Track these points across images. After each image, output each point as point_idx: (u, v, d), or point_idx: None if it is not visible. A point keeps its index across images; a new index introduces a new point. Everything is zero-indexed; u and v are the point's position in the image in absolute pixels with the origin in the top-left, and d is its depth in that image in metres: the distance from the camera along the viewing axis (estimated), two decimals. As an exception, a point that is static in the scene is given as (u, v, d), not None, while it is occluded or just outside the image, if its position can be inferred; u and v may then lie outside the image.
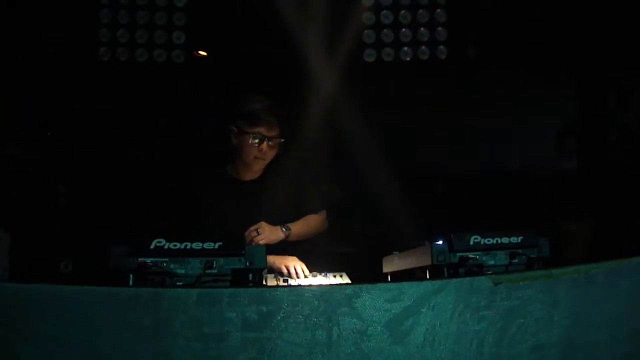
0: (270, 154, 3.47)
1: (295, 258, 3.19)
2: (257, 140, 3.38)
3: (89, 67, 4.67)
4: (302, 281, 2.91)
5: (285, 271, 3.07)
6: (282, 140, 3.47)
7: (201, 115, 4.71)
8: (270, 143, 3.42)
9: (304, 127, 4.39)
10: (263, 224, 3.27)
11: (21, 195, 4.35)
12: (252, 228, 3.25)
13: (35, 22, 4.52)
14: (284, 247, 3.30)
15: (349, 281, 2.83)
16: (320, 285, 2.59)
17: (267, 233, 3.27)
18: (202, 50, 4.94)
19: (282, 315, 1.76)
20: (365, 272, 2.98)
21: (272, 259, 3.08)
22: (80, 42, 4.67)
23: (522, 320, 1.90)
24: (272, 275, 2.91)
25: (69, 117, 4.65)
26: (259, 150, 3.41)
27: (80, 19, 4.66)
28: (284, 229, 3.36)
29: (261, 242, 3.19)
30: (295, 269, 3.08)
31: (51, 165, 4.67)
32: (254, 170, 3.52)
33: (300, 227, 3.47)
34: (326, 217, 3.67)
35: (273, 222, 3.35)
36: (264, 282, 2.68)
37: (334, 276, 2.91)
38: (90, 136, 4.70)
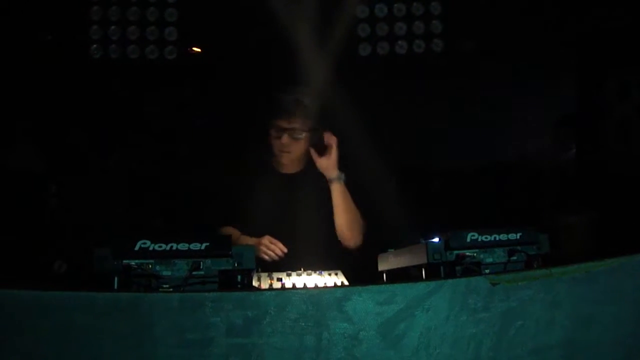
0: (296, 148, 3.39)
1: (268, 237, 3.15)
2: (277, 134, 3.34)
3: (81, 65, 4.62)
4: (297, 281, 2.83)
5: (263, 256, 3.04)
6: (313, 133, 3.38)
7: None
8: (295, 136, 3.34)
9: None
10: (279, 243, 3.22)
11: (13, 195, 4.31)
12: (271, 241, 3.20)
13: (26, 21, 4.47)
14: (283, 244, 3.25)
15: (344, 279, 2.76)
16: (308, 288, 2.50)
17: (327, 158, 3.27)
18: (195, 46, 4.89)
19: (268, 319, 1.69)
20: (361, 270, 2.93)
21: (250, 242, 3.08)
22: (71, 40, 4.63)
23: (521, 322, 1.83)
24: (266, 274, 2.83)
25: (62, 116, 4.61)
26: (280, 144, 3.34)
27: (70, 16, 4.61)
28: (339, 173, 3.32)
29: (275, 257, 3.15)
30: (267, 249, 3.04)
31: (44, 165, 4.62)
32: (285, 164, 3.46)
33: (349, 200, 3.38)
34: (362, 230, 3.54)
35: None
36: (257, 282, 2.63)
37: (329, 274, 2.84)
38: (83, 135, 4.66)
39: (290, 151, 3.39)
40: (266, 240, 3.17)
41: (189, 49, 4.86)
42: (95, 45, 4.66)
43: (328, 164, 3.30)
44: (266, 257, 3.10)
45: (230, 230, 3.23)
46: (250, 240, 3.17)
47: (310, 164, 3.46)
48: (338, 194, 3.36)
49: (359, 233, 3.48)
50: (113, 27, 4.67)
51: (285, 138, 3.33)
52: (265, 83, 4.16)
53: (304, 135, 3.37)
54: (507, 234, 2.27)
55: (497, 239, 2.26)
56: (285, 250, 3.12)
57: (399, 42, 4.80)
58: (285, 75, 4.33)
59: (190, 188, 4.53)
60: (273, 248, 3.11)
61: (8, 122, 4.55)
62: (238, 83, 4.60)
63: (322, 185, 3.40)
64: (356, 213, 3.47)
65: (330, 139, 3.30)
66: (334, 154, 3.31)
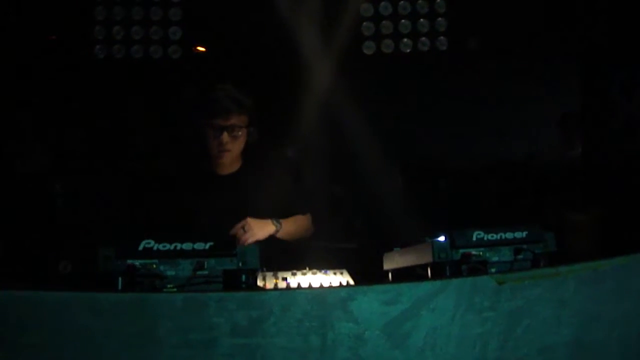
0: (236, 145, 3.29)
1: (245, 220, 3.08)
2: (215, 132, 3.23)
3: (85, 64, 4.62)
4: (303, 281, 2.81)
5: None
6: (251, 129, 3.30)
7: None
8: (232, 134, 3.25)
9: (299, 123, 4.33)
10: (249, 219, 3.12)
11: (18, 196, 4.31)
12: (238, 225, 3.11)
13: (31, 21, 4.47)
14: (276, 244, 3.21)
15: (350, 278, 2.75)
16: (313, 288, 2.49)
17: (255, 229, 3.11)
18: (199, 46, 4.88)
19: (273, 320, 1.67)
20: (366, 269, 2.91)
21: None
22: (75, 40, 4.62)
23: (528, 321, 1.81)
24: (271, 273, 2.82)
25: (66, 116, 4.61)
26: (219, 143, 3.24)
27: (74, 16, 4.61)
28: (274, 222, 3.23)
29: (249, 240, 3.06)
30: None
31: (48, 164, 4.63)
32: (225, 164, 3.36)
33: (290, 225, 3.30)
34: (312, 221, 3.53)
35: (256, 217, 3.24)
36: (262, 281, 2.61)
37: (334, 273, 2.82)
38: (88, 135, 4.66)
39: (230, 149, 3.29)
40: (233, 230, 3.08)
41: (193, 49, 4.84)
42: (99, 45, 4.65)
43: (260, 235, 3.14)
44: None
45: None
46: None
47: (247, 162, 3.41)
48: (283, 235, 3.28)
49: (310, 231, 3.50)
50: (117, 26, 4.66)
51: (224, 136, 3.23)
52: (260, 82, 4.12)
53: (242, 131, 3.31)
54: (513, 232, 2.25)
55: (503, 237, 2.24)
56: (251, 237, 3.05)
57: (404, 40, 4.78)
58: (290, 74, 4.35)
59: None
60: (242, 234, 3.00)
61: (13, 122, 4.55)
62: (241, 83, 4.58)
63: (264, 181, 3.35)
64: (304, 226, 3.45)
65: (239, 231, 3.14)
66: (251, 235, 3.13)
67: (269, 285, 2.61)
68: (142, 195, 4.01)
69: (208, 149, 3.31)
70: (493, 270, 2.19)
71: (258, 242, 3.05)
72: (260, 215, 3.22)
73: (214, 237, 2.11)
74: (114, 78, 4.66)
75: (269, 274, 2.76)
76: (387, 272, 2.77)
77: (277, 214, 3.30)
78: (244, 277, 2.10)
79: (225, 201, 3.24)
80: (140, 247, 2.06)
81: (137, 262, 2.04)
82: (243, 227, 3.10)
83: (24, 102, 4.50)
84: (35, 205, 4.44)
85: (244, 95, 3.31)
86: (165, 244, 2.07)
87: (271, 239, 3.20)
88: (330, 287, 2.55)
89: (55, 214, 4.56)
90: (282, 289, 2.48)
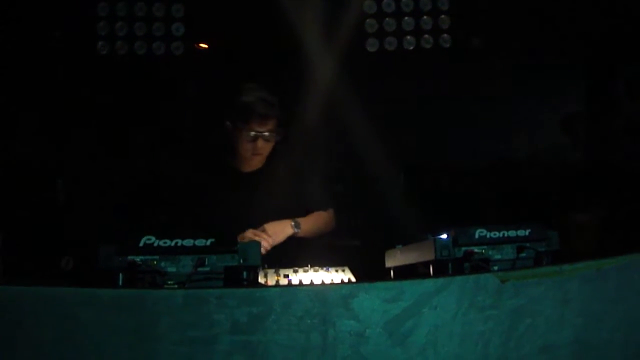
0: (267, 148, 3.38)
1: (250, 230, 3.11)
2: (251, 138, 3.29)
3: (88, 61, 4.61)
4: (304, 278, 2.81)
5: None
6: (279, 129, 3.37)
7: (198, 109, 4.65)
8: (266, 135, 3.32)
9: (305, 120, 4.31)
10: (265, 226, 3.19)
11: (20, 193, 4.30)
12: (257, 231, 3.16)
13: (33, 17, 4.46)
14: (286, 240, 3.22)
15: (352, 276, 2.74)
16: (314, 285, 2.48)
17: (273, 235, 3.18)
18: (202, 42, 4.87)
19: (273, 317, 1.66)
20: (368, 267, 2.91)
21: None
22: (78, 36, 4.62)
23: (530, 320, 1.79)
24: (273, 270, 2.81)
25: (68, 113, 4.60)
26: (254, 147, 3.32)
27: (77, 13, 4.60)
28: (293, 224, 3.26)
29: (268, 244, 3.11)
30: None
31: (50, 161, 4.62)
32: (253, 164, 3.43)
33: (310, 224, 3.36)
34: (334, 216, 3.55)
35: (276, 216, 3.26)
36: (264, 278, 2.61)
37: (336, 271, 2.82)
38: (90, 131, 4.65)
39: (262, 153, 3.37)
40: (249, 233, 3.11)
41: (196, 45, 4.83)
42: (102, 42, 4.64)
43: (278, 239, 3.21)
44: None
45: None
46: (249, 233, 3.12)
47: (270, 160, 3.44)
48: (304, 234, 3.33)
49: (331, 226, 3.55)
50: (120, 23, 4.65)
51: (259, 141, 3.31)
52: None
53: (273, 134, 3.36)
54: (516, 230, 2.24)
55: (506, 235, 2.23)
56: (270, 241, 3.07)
57: (407, 37, 4.76)
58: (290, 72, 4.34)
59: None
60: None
61: (15, 119, 4.55)
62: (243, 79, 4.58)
63: (286, 178, 3.39)
64: (324, 223, 3.49)
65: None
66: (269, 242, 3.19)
67: (271, 282, 2.61)
68: (158, 192, 4.02)
69: (238, 150, 3.37)
70: (495, 268, 2.18)
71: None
72: (283, 211, 3.25)
73: (215, 233, 2.10)
74: (116, 74, 4.65)
75: (270, 271, 2.76)
76: (389, 269, 2.77)
77: (298, 211, 3.32)
78: (245, 273, 2.09)
79: (249, 198, 3.28)
80: (141, 244, 2.06)
81: (137, 259, 2.04)
82: (262, 233, 3.13)
83: (27, 99, 4.49)
84: (37, 201, 4.44)
85: (273, 96, 3.36)
86: (166, 240, 2.07)
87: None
88: (332, 284, 2.55)
89: (57, 210, 4.56)
90: (283, 286, 2.48)
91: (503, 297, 1.78)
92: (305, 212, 3.41)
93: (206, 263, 2.05)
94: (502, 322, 1.77)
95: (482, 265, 2.15)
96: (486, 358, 1.74)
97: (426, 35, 4.76)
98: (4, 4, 4.38)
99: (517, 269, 2.13)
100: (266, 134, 3.32)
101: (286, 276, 2.75)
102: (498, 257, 2.20)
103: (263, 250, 2.98)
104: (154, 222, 3.81)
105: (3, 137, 4.46)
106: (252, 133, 3.29)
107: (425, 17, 4.76)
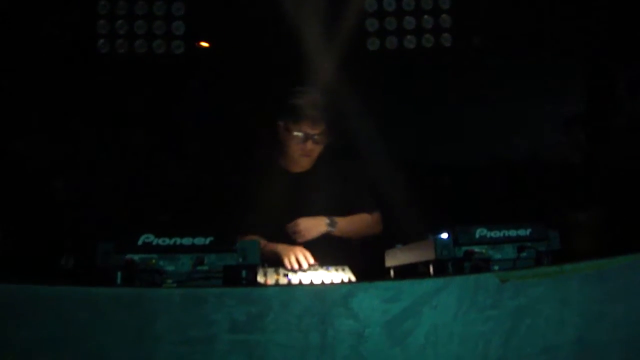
0: (317, 150, 3.40)
1: (300, 248, 3.06)
2: (301, 139, 3.33)
3: (88, 60, 4.61)
4: (304, 277, 2.80)
5: (287, 264, 2.96)
6: (329, 133, 3.39)
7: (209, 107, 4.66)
8: (315, 137, 3.35)
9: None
10: (299, 221, 3.20)
11: (20, 190, 4.30)
12: (290, 225, 3.19)
13: (34, 15, 4.46)
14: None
15: (352, 275, 2.74)
16: (313, 284, 2.47)
17: (305, 230, 3.18)
18: (203, 41, 4.86)
19: (272, 316, 1.65)
20: (368, 266, 2.89)
21: (279, 248, 3.02)
22: (78, 34, 4.61)
23: (531, 320, 1.79)
24: (272, 269, 2.80)
25: (69, 111, 4.60)
26: (303, 148, 3.36)
27: (78, 11, 4.60)
28: (328, 222, 3.26)
29: (300, 240, 3.13)
30: (295, 259, 2.95)
31: (50, 159, 4.62)
32: (302, 165, 3.46)
33: (348, 223, 3.35)
34: (380, 220, 3.54)
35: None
36: (264, 277, 2.60)
37: (336, 270, 2.81)
38: (91, 130, 4.65)
39: (311, 154, 3.40)
40: (299, 250, 3.04)
41: (196, 44, 4.83)
42: (102, 40, 4.64)
43: (311, 234, 3.21)
44: (289, 265, 2.94)
45: (253, 237, 3.14)
46: (280, 247, 3.07)
47: (317, 161, 3.46)
48: (341, 234, 3.32)
49: (375, 229, 3.51)
50: (120, 21, 4.65)
51: (309, 143, 3.35)
52: (272, 81, 4.12)
53: (323, 137, 3.39)
54: (517, 230, 2.23)
55: (507, 234, 2.22)
56: (312, 262, 3.00)
57: (408, 36, 4.76)
58: (291, 70, 4.32)
59: (196, 184, 4.52)
60: (301, 260, 2.96)
61: (15, 117, 4.54)
62: (244, 79, 4.58)
63: (332, 179, 3.40)
64: (366, 225, 3.47)
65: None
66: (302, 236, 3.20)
67: (270, 281, 2.60)
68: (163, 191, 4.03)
69: (287, 150, 3.41)
70: (496, 268, 2.17)
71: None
72: (328, 212, 3.28)
73: (214, 232, 2.09)
74: (117, 73, 4.64)
75: (270, 270, 2.75)
76: (388, 269, 2.75)
77: (343, 212, 3.34)
78: (244, 272, 2.08)
79: (297, 198, 3.28)
80: (140, 242, 2.05)
81: (136, 257, 2.02)
82: (294, 227, 3.16)
83: (27, 97, 4.49)
84: (37, 199, 4.43)
85: (323, 99, 3.41)
86: (164, 239, 2.05)
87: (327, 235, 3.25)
88: (331, 283, 2.54)
89: (57, 208, 4.55)
90: (282, 285, 2.47)
91: (503, 297, 1.77)
92: (349, 214, 3.41)
93: (205, 262, 2.04)
94: (502, 322, 1.77)
95: (482, 265, 2.15)
96: (486, 358, 1.74)
97: (427, 35, 4.75)
98: (5, 3, 4.37)
99: (517, 269, 2.12)
100: (316, 136, 3.34)
101: (286, 275, 2.75)
102: (498, 256, 2.19)
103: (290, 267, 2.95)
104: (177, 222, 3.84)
105: (3, 136, 4.46)
106: (302, 134, 3.32)
107: (426, 16, 4.76)
